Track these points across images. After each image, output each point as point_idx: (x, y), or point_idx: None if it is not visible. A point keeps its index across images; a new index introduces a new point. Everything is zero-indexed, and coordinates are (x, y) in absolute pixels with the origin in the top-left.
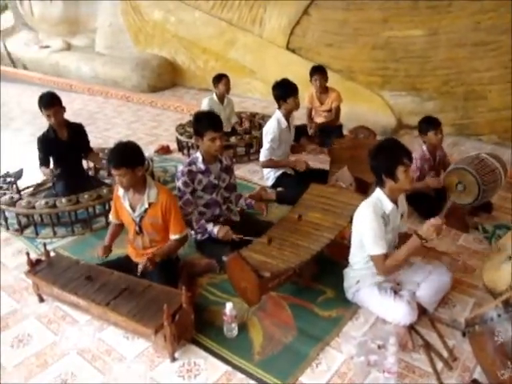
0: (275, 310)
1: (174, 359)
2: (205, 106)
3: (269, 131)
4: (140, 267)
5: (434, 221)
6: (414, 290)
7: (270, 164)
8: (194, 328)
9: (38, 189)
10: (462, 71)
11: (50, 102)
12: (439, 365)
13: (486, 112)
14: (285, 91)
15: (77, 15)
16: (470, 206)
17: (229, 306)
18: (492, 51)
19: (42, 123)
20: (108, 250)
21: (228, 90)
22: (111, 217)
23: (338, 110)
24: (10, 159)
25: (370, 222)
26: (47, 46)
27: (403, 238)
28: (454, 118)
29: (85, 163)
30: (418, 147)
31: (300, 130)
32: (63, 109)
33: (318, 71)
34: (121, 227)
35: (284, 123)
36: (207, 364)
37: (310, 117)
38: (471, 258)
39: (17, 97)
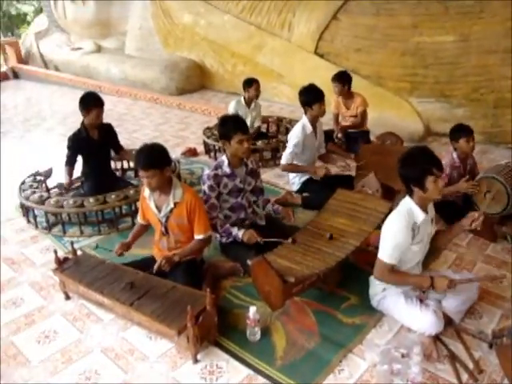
0: (299, 315)
1: (196, 361)
2: (231, 108)
3: (293, 136)
4: (155, 266)
5: (448, 278)
6: (440, 299)
7: (290, 168)
8: (217, 330)
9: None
10: (493, 78)
11: (101, 101)
12: (464, 376)
13: None
14: (310, 97)
15: (108, 18)
16: (499, 215)
17: (252, 309)
18: None
19: (72, 123)
20: (126, 246)
21: (257, 95)
22: (139, 218)
23: (363, 114)
24: (41, 158)
25: (397, 232)
26: (79, 48)
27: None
28: (483, 125)
29: (112, 164)
30: (446, 154)
31: (327, 136)
32: None
33: (336, 80)
34: (145, 228)
35: (309, 129)
36: (229, 367)
37: (336, 122)
38: (499, 269)
39: (48, 97)
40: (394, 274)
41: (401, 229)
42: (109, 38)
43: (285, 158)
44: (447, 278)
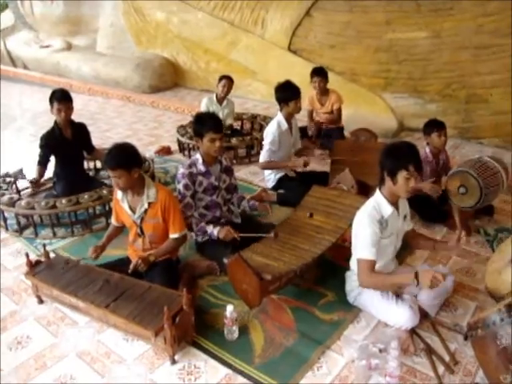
0: (276, 312)
1: (174, 362)
2: (203, 105)
3: (269, 133)
4: (131, 266)
5: (436, 274)
6: (416, 294)
7: (269, 166)
8: (195, 330)
9: (37, 189)
10: (465, 74)
11: (66, 96)
12: (441, 369)
13: (487, 115)
14: (287, 94)
15: (78, 15)
16: (472, 209)
17: (229, 308)
18: (494, 54)
19: (43, 123)
20: (100, 249)
21: (226, 91)
22: (113, 219)
23: (339, 111)
24: (11, 159)
25: (364, 226)
26: (48, 46)
27: (411, 236)
28: (455, 120)
29: (85, 164)
30: (419, 149)
31: (301, 132)
32: (72, 107)
33: (318, 74)
34: (120, 229)
35: (284, 125)
36: (207, 367)
37: (310, 118)
38: (473, 262)
39: (17, 96)
40: (377, 276)
41: (367, 223)
42: (79, 35)
43: (262, 156)
44: (431, 275)
